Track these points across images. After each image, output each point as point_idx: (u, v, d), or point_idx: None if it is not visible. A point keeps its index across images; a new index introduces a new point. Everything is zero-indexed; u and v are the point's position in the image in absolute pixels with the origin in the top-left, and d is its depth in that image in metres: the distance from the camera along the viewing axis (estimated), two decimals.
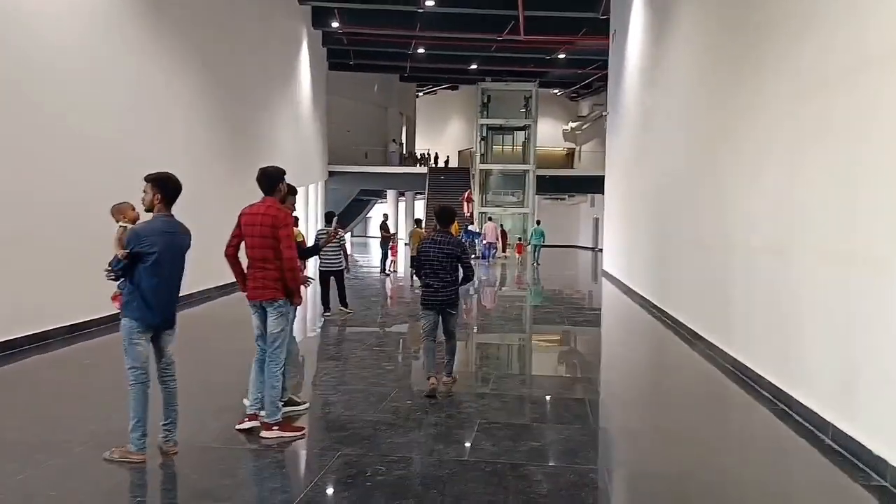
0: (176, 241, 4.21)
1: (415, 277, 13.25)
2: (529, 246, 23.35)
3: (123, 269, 4.05)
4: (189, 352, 6.02)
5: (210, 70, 13.24)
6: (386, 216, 19.16)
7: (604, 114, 19.21)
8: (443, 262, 5.90)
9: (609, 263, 18.56)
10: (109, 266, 4.11)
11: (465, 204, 29.47)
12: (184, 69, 12.25)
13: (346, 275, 10.67)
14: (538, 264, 22.21)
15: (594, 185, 33.98)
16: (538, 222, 25.22)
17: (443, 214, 6.16)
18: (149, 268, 4.05)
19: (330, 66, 29.67)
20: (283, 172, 4.97)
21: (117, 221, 4.53)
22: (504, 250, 25.41)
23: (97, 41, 9.34)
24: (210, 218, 12.91)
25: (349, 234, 17.54)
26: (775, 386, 5.91)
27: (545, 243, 23.48)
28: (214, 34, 13.53)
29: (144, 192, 4.20)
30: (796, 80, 5.69)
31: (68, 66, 8.62)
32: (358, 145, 33.78)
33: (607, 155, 19.30)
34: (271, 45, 17.59)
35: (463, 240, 26.16)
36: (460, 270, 6.01)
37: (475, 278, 14.13)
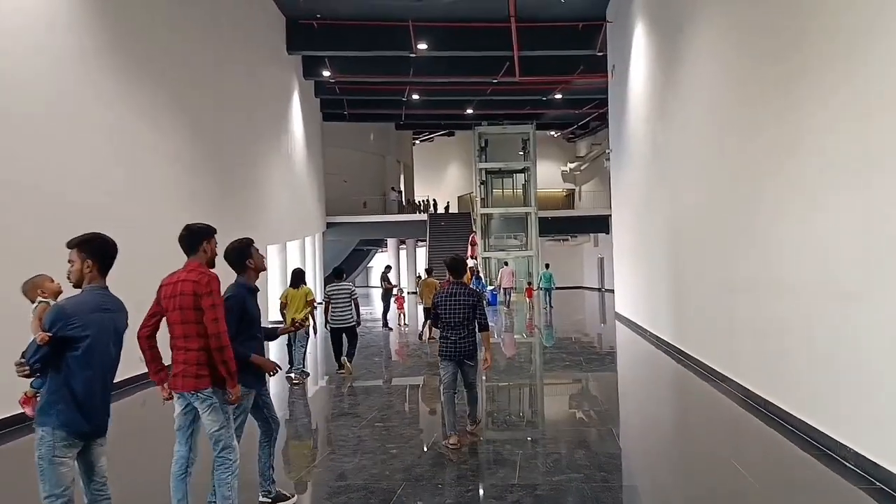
0: (113, 320, 3.27)
1: (426, 329, 13.15)
2: (539, 291, 22.92)
3: (43, 360, 3.03)
4: (124, 459, 4.97)
5: (195, 124, 12.70)
6: (388, 267, 18.46)
7: (606, 151, 18.64)
8: (461, 313, 5.93)
9: (622, 305, 17.72)
10: (23, 358, 3.07)
11: (470, 248, 28.84)
12: (167, 123, 11.68)
13: (357, 329, 10.23)
14: (551, 307, 21.69)
15: (597, 224, 33.56)
16: (547, 266, 24.56)
17: (455, 266, 6.23)
18: (79, 357, 3.08)
19: (324, 117, 29.47)
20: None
21: (33, 300, 3.68)
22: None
23: (71, 93, 8.74)
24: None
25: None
26: (870, 461, 4.83)
27: (557, 286, 22.99)
28: (199, 86, 13.03)
29: (70, 261, 3.27)
30: (859, 98, 4.99)
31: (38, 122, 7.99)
32: (356, 195, 33.39)
33: (613, 193, 18.67)
34: (261, 97, 17.15)
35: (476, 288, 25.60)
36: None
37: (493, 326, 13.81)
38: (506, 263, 26.80)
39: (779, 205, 6.67)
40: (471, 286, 7.43)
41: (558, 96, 25.37)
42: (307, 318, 8.96)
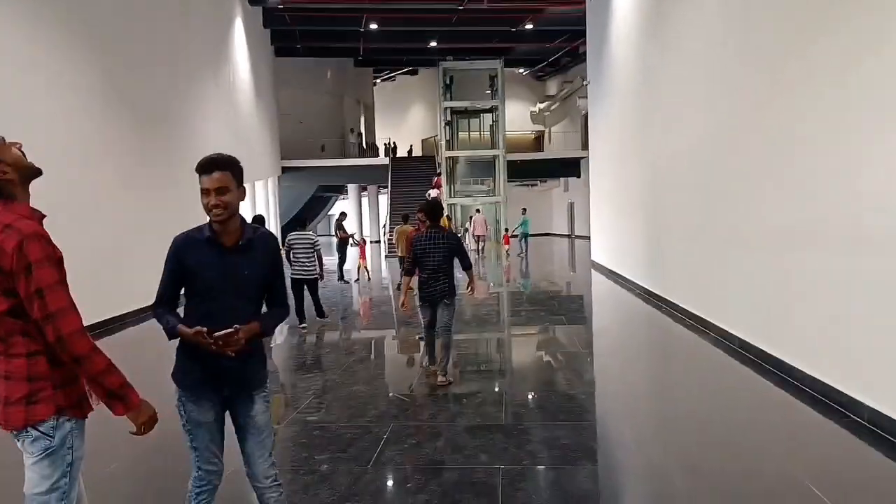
0: None
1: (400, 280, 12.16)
2: (516, 237, 22.45)
3: None
4: None
5: (101, 47, 10.57)
6: (343, 214, 16.67)
7: (584, 83, 16.96)
8: (440, 257, 6.09)
9: (600, 253, 16.38)
10: None
11: (435, 191, 27.27)
12: (69, 45, 9.61)
13: (320, 283, 10.03)
14: (526, 254, 21.32)
15: (568, 168, 32.09)
16: (524, 210, 23.76)
17: (431, 210, 6.32)
18: None
19: (277, 52, 27.10)
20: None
21: None
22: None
23: None
24: (103, 229, 10.25)
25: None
26: None
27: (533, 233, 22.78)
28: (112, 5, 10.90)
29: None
30: None
31: None
32: (313, 138, 31.23)
33: (591, 131, 17.08)
34: (191, 23, 14.78)
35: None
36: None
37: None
38: (477, 210, 25.39)
39: (799, 142, 5.19)
40: (451, 231, 7.11)
41: (529, 27, 23.41)
42: None
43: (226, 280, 2.69)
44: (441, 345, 6.20)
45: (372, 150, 35.51)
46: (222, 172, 2.69)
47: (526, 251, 21.62)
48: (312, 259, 9.55)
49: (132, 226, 11.04)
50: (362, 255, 15.09)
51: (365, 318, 11.51)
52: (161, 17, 12.98)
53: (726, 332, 7.58)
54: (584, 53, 28.71)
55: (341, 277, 14.59)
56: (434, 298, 6.14)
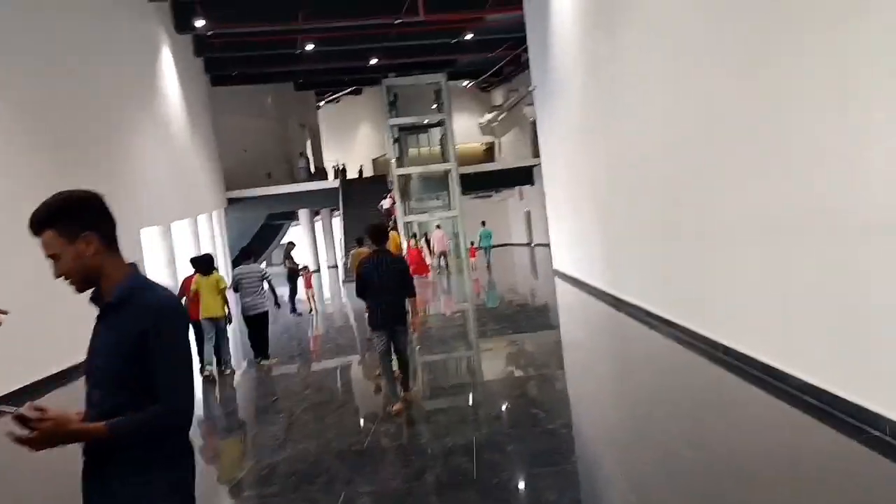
0: None
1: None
2: (480, 250, 22.58)
3: None
4: None
5: (16, 82, 9.66)
6: (291, 244, 15.81)
7: (529, 89, 16.56)
8: (390, 281, 5.95)
9: (562, 262, 15.89)
10: None
11: (388, 201, 26.92)
12: None
13: (274, 313, 9.83)
14: (490, 265, 21.43)
15: (521, 176, 31.75)
16: (483, 223, 23.70)
17: (376, 233, 6.19)
18: None
19: (213, 82, 26.13)
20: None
21: None
22: (425, 270, 22.06)
23: None
24: (13, 281, 9.13)
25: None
26: None
27: (493, 244, 23.13)
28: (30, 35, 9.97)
29: None
30: None
31: None
32: (259, 166, 30.23)
33: (540, 138, 16.66)
34: (116, 53, 13.84)
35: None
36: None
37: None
38: (437, 226, 24.91)
39: (788, 115, 4.70)
40: (397, 255, 7.10)
41: (469, 37, 22.97)
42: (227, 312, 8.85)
43: (88, 358, 2.02)
44: (401, 366, 6.33)
45: (322, 174, 34.67)
46: (44, 232, 1.96)
47: (489, 262, 21.63)
48: (262, 293, 9.17)
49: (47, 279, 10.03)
50: (307, 284, 14.24)
51: (315, 354, 10.77)
52: (81, 48, 12.03)
53: (704, 336, 7.06)
54: (527, 60, 28.64)
55: (294, 310, 13.74)
56: (387, 325, 6.07)
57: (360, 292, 6.12)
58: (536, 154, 31.13)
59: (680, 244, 7.58)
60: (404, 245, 21.99)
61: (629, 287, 10.13)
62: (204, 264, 8.98)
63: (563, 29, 12.32)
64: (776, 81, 5.07)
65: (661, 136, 7.75)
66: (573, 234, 14.15)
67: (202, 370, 8.92)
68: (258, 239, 32.97)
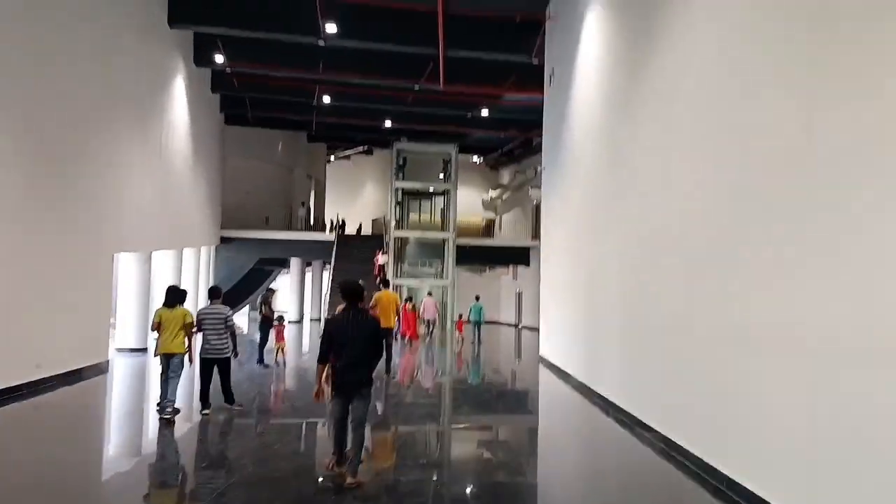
0: None
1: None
2: (468, 324, 22.25)
3: None
4: None
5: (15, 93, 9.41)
6: (270, 291, 15.26)
7: (538, 168, 16.51)
8: (360, 342, 5.61)
9: (550, 349, 15.36)
10: None
11: (376, 266, 26.29)
12: None
13: (233, 361, 9.05)
14: (480, 343, 20.95)
15: (517, 256, 31.58)
16: (477, 298, 22.92)
17: (349, 291, 5.83)
18: None
19: (226, 120, 26.28)
20: None
21: None
22: (414, 334, 21.30)
23: None
24: None
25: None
26: None
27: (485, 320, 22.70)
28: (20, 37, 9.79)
29: None
30: None
31: None
32: (258, 209, 30.07)
33: (544, 218, 16.49)
34: (120, 75, 13.56)
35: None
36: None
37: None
38: (429, 293, 24.46)
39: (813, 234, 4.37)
40: (372, 315, 6.59)
41: (485, 113, 23.21)
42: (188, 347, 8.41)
43: None
44: (354, 441, 5.68)
45: (320, 226, 34.48)
46: None
47: (478, 339, 21.07)
48: (224, 336, 8.65)
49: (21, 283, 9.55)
50: (279, 336, 13.59)
51: (272, 411, 10.10)
52: (71, 58, 11.78)
53: (694, 454, 6.52)
54: (538, 144, 28.87)
55: (261, 360, 13.09)
56: (350, 389, 5.60)
57: (324, 354, 5.69)
58: (535, 236, 31.16)
59: (687, 347, 7.08)
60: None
61: (615, 386, 9.62)
62: (170, 296, 8.53)
63: (580, 112, 12.28)
64: (823, 170, 4.72)
65: (678, 227, 7.44)
66: (565, 321, 13.70)
67: (165, 410, 8.28)
68: (245, 281, 32.45)
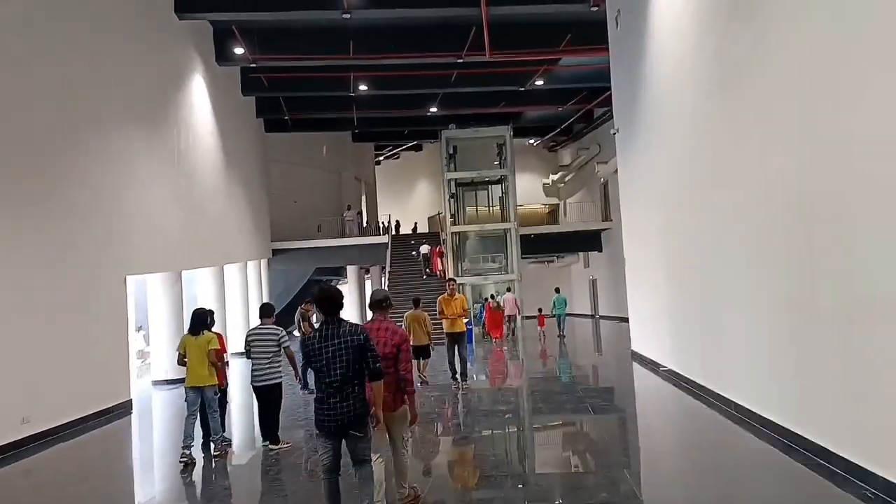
0: None
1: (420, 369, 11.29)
2: (550, 318, 21.44)
3: None
4: None
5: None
6: (309, 302, 13.23)
7: (612, 132, 14.06)
8: (342, 362, 4.41)
9: (643, 343, 12.93)
10: None
11: (437, 259, 24.62)
12: None
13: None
14: (563, 335, 20.23)
15: (587, 241, 28.92)
16: (557, 290, 21.71)
17: (326, 301, 4.62)
18: None
19: (267, 128, 24.88)
20: None
21: None
22: (499, 332, 20.33)
23: None
24: None
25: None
26: None
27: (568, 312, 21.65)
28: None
29: None
30: None
31: None
32: (308, 218, 28.60)
33: (623, 191, 14.02)
34: (116, 74, 11.87)
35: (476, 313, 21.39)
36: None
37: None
38: (508, 289, 22.91)
39: None
40: (355, 324, 4.78)
41: (539, 83, 20.80)
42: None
43: None
44: (360, 482, 4.54)
45: (373, 230, 32.86)
46: None
47: (562, 331, 20.32)
48: (276, 361, 7.77)
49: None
50: None
51: None
52: (72, 59, 10.23)
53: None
54: (602, 115, 26.33)
55: (305, 385, 11.18)
56: (337, 426, 4.45)
57: (304, 380, 5.35)
58: (606, 217, 28.52)
59: (814, 328, 4.75)
60: (471, 306, 20.65)
61: (736, 382, 7.23)
62: (194, 321, 7.53)
63: (664, 41, 9.81)
64: None
65: (823, 180, 5.03)
66: (660, 310, 11.27)
67: (182, 454, 7.23)
68: (303, 294, 31.08)
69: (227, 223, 18.62)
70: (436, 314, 11.53)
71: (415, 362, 10.77)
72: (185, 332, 7.66)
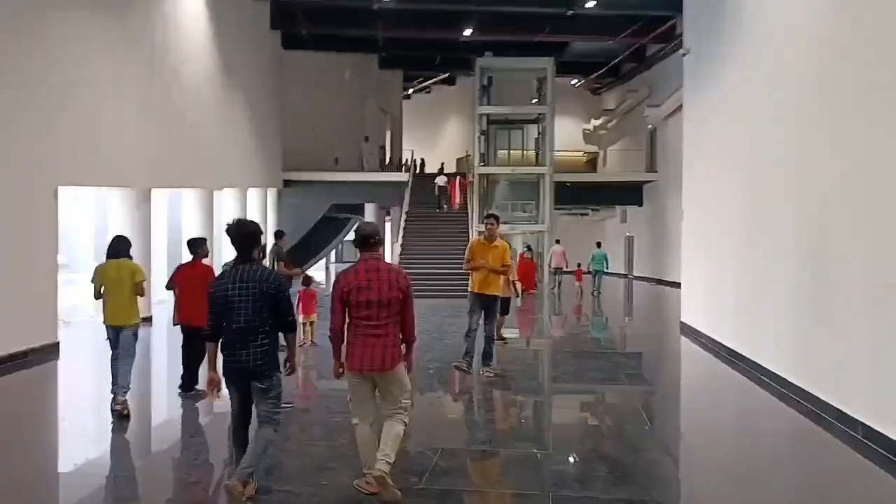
0: None
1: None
2: (588, 274, 20.70)
3: None
4: None
5: None
6: (280, 234, 10.52)
7: (682, 53, 11.44)
8: (247, 309, 4.19)
9: (696, 316, 10.63)
10: None
11: (456, 191, 22.69)
12: None
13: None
14: (599, 293, 19.34)
15: (628, 194, 26.25)
16: (598, 244, 20.82)
17: (242, 237, 4.31)
18: None
19: (284, 44, 22.52)
20: None
21: None
22: (532, 286, 18.65)
23: None
24: None
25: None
26: None
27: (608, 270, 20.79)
28: None
29: None
30: None
31: None
32: (326, 148, 26.34)
33: (687, 133, 11.45)
34: None
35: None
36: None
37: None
38: (556, 241, 21.14)
39: None
40: (270, 270, 4.54)
41: (590, 3, 17.91)
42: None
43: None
44: (252, 448, 4.23)
45: (396, 168, 30.56)
46: None
47: (598, 290, 19.31)
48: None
49: None
50: (307, 304, 9.40)
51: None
52: None
53: None
54: (655, 53, 23.43)
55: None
56: (241, 373, 4.22)
57: (212, 327, 4.31)
58: (651, 168, 25.83)
59: None
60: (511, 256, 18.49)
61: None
62: (115, 248, 6.45)
63: None
64: None
65: None
66: (725, 279, 8.92)
67: (115, 401, 6.22)
68: (315, 232, 29.10)
69: (222, 144, 16.39)
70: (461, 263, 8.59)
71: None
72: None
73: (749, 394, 7.41)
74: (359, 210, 33.23)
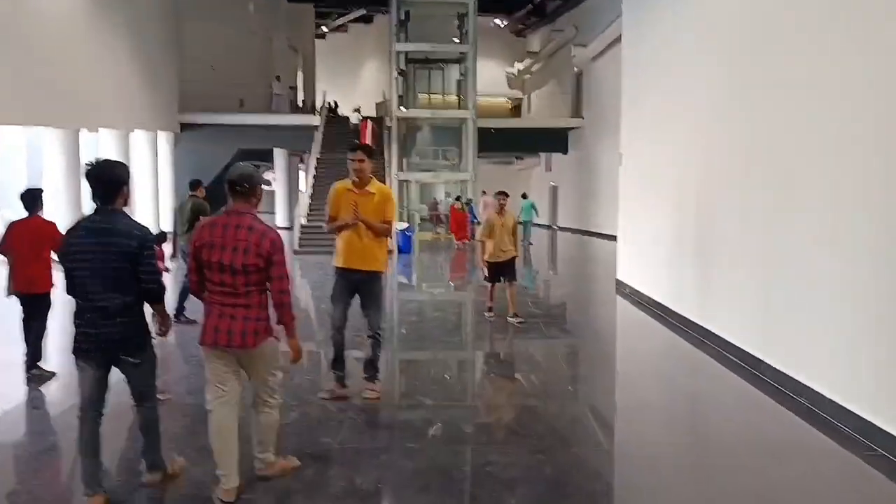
0: None
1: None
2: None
3: None
4: None
5: None
6: (195, 181, 8.75)
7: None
8: (107, 267, 3.41)
9: (630, 272, 9.69)
10: None
11: (366, 133, 20.71)
12: None
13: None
14: (530, 244, 18.16)
15: (552, 141, 25.22)
16: (524, 195, 19.68)
17: (94, 181, 3.49)
18: None
19: None
20: None
21: None
22: (465, 236, 18.55)
23: None
24: None
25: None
26: None
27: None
28: None
29: None
30: None
31: None
32: (230, 88, 23.90)
33: (627, 76, 10.26)
34: None
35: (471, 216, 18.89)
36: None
37: None
38: (483, 192, 20.24)
39: None
40: (136, 221, 3.61)
41: None
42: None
43: None
44: (144, 428, 3.68)
45: (309, 110, 28.34)
46: None
47: (528, 243, 17.96)
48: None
49: None
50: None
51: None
52: None
53: None
54: None
55: (180, 315, 7.34)
56: (99, 351, 3.47)
57: (71, 287, 3.48)
58: (577, 113, 24.80)
59: None
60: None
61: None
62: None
63: None
64: None
65: None
66: (659, 233, 7.94)
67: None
68: (219, 183, 26.69)
69: (92, 78, 14.07)
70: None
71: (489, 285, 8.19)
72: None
73: (694, 357, 6.50)
74: (268, 157, 30.93)
